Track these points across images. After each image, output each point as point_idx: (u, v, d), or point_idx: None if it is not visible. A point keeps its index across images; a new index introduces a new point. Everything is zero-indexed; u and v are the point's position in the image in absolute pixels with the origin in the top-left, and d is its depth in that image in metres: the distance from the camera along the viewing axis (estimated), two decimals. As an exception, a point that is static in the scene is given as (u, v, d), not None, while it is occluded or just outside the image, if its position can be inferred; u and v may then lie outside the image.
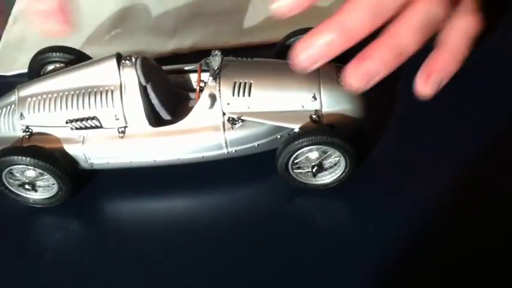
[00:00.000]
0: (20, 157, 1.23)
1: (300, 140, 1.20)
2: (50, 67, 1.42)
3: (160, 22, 1.70)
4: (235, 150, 1.27)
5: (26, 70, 1.49)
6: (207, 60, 1.30)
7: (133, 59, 1.25)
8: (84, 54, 1.42)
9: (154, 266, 1.24)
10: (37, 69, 1.42)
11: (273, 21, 1.68)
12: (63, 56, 1.40)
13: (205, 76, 1.30)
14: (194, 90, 1.36)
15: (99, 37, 1.69)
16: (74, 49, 1.42)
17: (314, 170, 1.23)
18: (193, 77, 1.37)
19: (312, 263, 1.20)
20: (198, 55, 1.46)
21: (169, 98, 1.32)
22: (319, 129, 1.21)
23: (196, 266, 1.23)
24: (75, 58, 1.39)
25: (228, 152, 1.27)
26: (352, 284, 1.17)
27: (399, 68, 1.48)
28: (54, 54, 1.40)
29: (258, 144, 1.27)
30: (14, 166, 1.25)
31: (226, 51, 1.30)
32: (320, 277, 1.18)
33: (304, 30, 1.36)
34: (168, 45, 1.63)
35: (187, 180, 1.36)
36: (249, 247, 1.24)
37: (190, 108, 1.28)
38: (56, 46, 1.41)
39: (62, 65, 1.40)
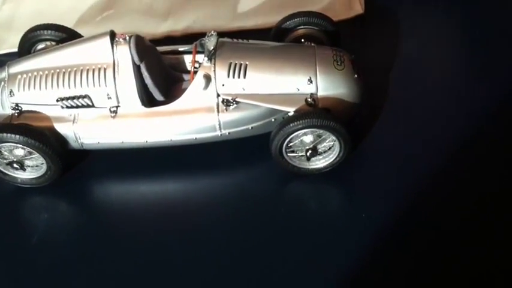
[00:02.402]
0: (9, 134, 1.20)
1: (295, 123, 1.18)
2: (41, 45, 1.39)
3: (153, 4, 1.68)
4: (229, 133, 1.26)
5: (15, 50, 1.46)
6: (202, 41, 1.28)
7: (127, 37, 1.23)
8: (76, 32, 1.39)
9: (144, 249, 1.22)
10: (28, 47, 1.39)
11: (269, 5, 1.71)
12: (54, 34, 1.37)
13: (200, 57, 1.28)
14: (188, 72, 1.34)
15: (91, 18, 1.66)
16: (66, 27, 1.39)
17: (308, 153, 1.22)
18: (188, 59, 1.34)
19: (305, 247, 1.19)
20: (190, 38, 1.45)
21: (162, 78, 1.30)
22: (315, 112, 1.20)
23: (187, 249, 1.22)
24: (67, 36, 1.36)
25: (221, 134, 1.26)
26: (344, 268, 1.16)
27: (396, 57, 1.51)
28: (45, 31, 1.37)
29: (252, 127, 1.26)
30: (3, 144, 1.22)
31: (221, 34, 1.29)
32: (312, 261, 1.17)
33: (299, 14, 1.36)
34: (160, 28, 1.61)
35: (179, 163, 1.34)
36: (241, 231, 1.23)
37: (184, 90, 1.27)
38: (47, 24, 1.38)
39: (53, 43, 1.38)
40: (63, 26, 1.39)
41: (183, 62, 1.36)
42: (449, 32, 1.58)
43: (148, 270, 1.19)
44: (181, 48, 1.35)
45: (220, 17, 1.61)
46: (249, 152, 1.33)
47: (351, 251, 1.18)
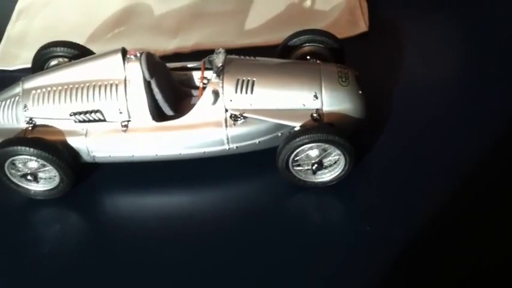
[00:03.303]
0: (23, 147, 1.24)
1: (302, 137, 1.22)
2: (54, 62, 1.43)
3: (162, 21, 1.72)
4: (237, 147, 1.29)
5: (28, 65, 1.51)
6: (211, 58, 1.32)
7: (139, 54, 1.27)
8: (88, 49, 1.44)
9: (151, 259, 1.25)
10: (41, 63, 1.44)
11: (275, 22, 1.75)
12: (67, 51, 1.41)
13: (208, 74, 1.32)
14: (197, 88, 1.38)
15: (102, 35, 1.70)
16: (78, 44, 1.44)
17: (314, 167, 1.25)
18: (196, 75, 1.39)
19: (309, 259, 1.22)
20: (199, 54, 1.48)
21: (172, 94, 1.34)
22: (320, 127, 1.23)
23: (193, 260, 1.25)
24: (79, 53, 1.41)
25: (229, 148, 1.29)
26: (349, 281, 1.18)
27: (398, 71, 1.54)
28: (58, 48, 1.41)
29: (259, 141, 1.29)
30: (17, 157, 1.26)
31: (228, 51, 1.32)
32: (317, 274, 1.20)
33: (305, 32, 1.40)
34: (170, 45, 1.65)
35: (187, 176, 1.37)
36: (247, 243, 1.26)
37: (193, 105, 1.30)
38: (60, 41, 1.43)
39: (65, 59, 1.42)
40: (75, 43, 1.43)
41: (191, 78, 1.40)
42: (452, 46, 1.62)
43: (155, 281, 1.22)
44: (190, 64, 1.39)
45: (228, 34, 1.65)
46: (255, 166, 1.36)
47: (355, 264, 1.20)
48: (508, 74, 1.51)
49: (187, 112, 1.29)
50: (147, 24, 1.71)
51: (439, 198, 1.28)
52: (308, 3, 1.69)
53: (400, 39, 1.62)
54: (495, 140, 1.37)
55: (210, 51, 1.34)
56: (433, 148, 1.37)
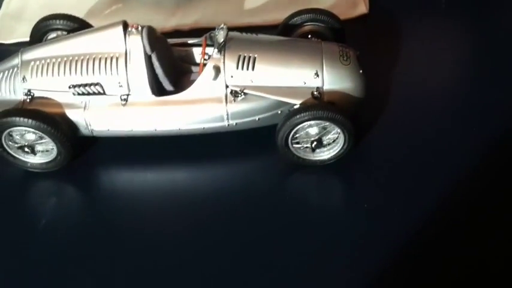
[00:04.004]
0: (21, 119, 1.23)
1: (302, 115, 1.22)
2: (52, 35, 1.42)
3: (162, 0, 1.71)
4: (236, 123, 1.29)
5: (25, 39, 1.49)
6: (212, 34, 1.31)
7: (140, 28, 1.26)
8: (87, 23, 1.42)
9: (149, 235, 1.25)
10: (39, 36, 1.42)
11: (275, 3, 1.74)
12: (66, 24, 1.40)
13: (209, 50, 1.31)
14: (196, 64, 1.37)
15: (100, 11, 1.69)
16: (78, 18, 1.42)
17: (313, 145, 1.26)
18: (196, 51, 1.38)
19: (307, 237, 1.22)
20: (198, 32, 1.47)
21: (172, 69, 1.33)
22: (321, 104, 1.23)
23: (191, 237, 1.24)
24: (78, 26, 1.39)
25: (228, 125, 1.29)
26: (346, 257, 1.19)
27: (398, 55, 1.54)
28: (57, 21, 1.40)
29: (258, 118, 1.29)
30: (15, 128, 1.25)
31: (229, 29, 1.31)
32: (315, 251, 1.20)
33: (306, 11, 1.39)
34: (169, 22, 1.64)
35: (186, 152, 1.37)
36: (245, 221, 1.26)
37: (192, 81, 1.30)
38: (59, 14, 1.41)
39: (64, 33, 1.41)
40: (74, 16, 1.42)
41: (191, 55, 1.39)
42: (452, 31, 1.62)
43: (153, 256, 1.22)
44: (190, 40, 1.39)
45: (228, 13, 1.64)
46: (254, 143, 1.36)
47: (352, 241, 1.21)
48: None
49: (186, 88, 1.29)
50: (145, 2, 1.70)
51: (435, 180, 1.29)
52: None
53: (399, 23, 1.62)
54: (496, 139, 1.37)
55: (210, 29, 1.33)
56: (432, 130, 1.37)
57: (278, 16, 1.49)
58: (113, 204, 1.32)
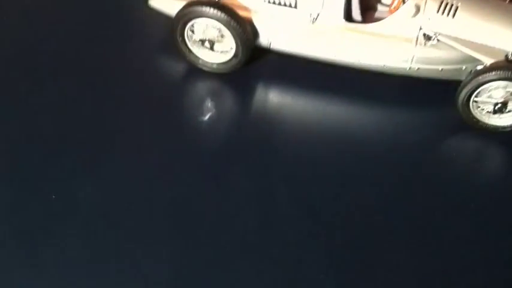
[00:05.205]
0: (215, 11, 1.23)
1: (494, 73, 1.17)
2: None
3: None
4: (418, 68, 1.25)
5: None
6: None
7: None
8: None
9: (289, 156, 1.23)
10: None
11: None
12: None
13: None
14: (382, 3, 1.34)
15: None
16: None
17: (497, 107, 1.21)
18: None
19: (463, 206, 1.17)
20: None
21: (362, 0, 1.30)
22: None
23: (323, 178, 1.20)
24: None
25: (410, 68, 1.25)
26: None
27: None
28: None
29: (441, 69, 1.25)
30: (204, 19, 1.25)
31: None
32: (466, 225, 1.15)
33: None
34: None
35: (349, 88, 1.34)
36: (395, 177, 1.21)
37: (377, 18, 1.27)
38: None
39: None
40: None
41: (380, -8, 1.36)
42: None
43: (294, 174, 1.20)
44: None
45: None
46: (419, 95, 1.32)
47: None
48: None
49: (370, 23, 1.26)
50: None
51: None
52: None
53: None
54: None
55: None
56: None
57: None
58: (262, 120, 1.30)
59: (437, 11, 1.22)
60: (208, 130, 1.29)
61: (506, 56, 1.21)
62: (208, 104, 1.33)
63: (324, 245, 1.12)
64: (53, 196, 1.15)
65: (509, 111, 1.23)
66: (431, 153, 1.27)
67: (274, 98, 1.36)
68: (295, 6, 1.25)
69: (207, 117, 1.29)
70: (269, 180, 1.20)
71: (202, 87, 1.36)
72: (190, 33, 1.29)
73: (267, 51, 1.33)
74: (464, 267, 1.10)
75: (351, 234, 1.13)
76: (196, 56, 1.32)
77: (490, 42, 1.22)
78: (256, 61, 1.36)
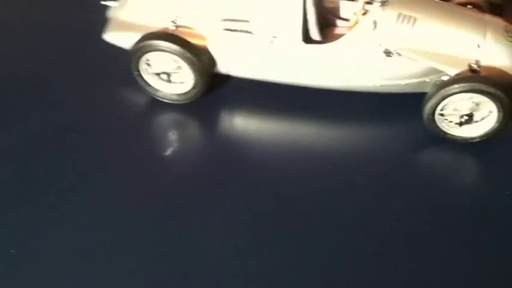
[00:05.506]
0: (169, 44, 1.20)
1: (457, 85, 1.14)
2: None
3: None
4: (381, 85, 1.23)
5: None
6: (374, -12, 1.25)
7: None
8: None
9: (258, 179, 1.21)
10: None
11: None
12: None
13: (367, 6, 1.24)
14: (342, 19, 1.31)
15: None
16: None
17: (463, 119, 1.19)
18: (344, 5, 1.31)
19: (439, 217, 1.16)
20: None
21: (319, 18, 1.27)
22: (481, 77, 1.15)
23: (309, 196, 1.19)
24: None
25: (373, 85, 1.23)
26: (484, 241, 1.12)
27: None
28: None
29: (405, 83, 1.22)
30: (157, 53, 1.22)
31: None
32: (445, 234, 1.13)
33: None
34: None
35: (318, 108, 1.31)
36: (371, 188, 1.20)
37: (337, 35, 1.24)
38: None
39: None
40: None
41: (338, 8, 1.33)
42: None
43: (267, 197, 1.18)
44: (344, -6, 1.32)
45: None
46: (391, 109, 1.30)
47: (491, 227, 1.14)
48: None
49: (329, 41, 1.23)
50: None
51: None
52: None
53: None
54: None
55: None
56: None
57: None
58: (234, 147, 1.27)
59: (395, 25, 1.19)
60: (173, 162, 1.25)
61: (469, 65, 1.19)
62: (172, 136, 1.30)
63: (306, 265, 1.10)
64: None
65: (476, 122, 1.21)
66: (404, 167, 1.24)
67: (240, 122, 1.33)
68: (252, 32, 1.22)
69: (169, 151, 1.26)
70: (242, 210, 1.17)
71: (165, 119, 1.33)
72: (146, 66, 1.26)
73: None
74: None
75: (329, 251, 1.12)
76: (155, 89, 1.29)
77: (452, 51, 1.20)
78: (220, 86, 1.34)
